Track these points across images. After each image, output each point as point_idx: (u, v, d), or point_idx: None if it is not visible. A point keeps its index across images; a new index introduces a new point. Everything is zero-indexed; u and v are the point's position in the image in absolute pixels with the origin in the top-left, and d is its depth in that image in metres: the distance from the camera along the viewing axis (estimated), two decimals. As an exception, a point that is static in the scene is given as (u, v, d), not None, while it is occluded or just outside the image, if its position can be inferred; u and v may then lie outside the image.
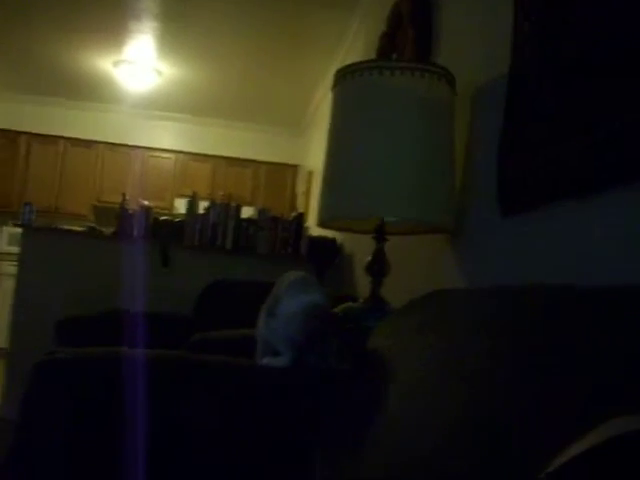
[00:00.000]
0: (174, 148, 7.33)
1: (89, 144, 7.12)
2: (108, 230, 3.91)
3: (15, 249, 4.53)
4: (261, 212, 3.86)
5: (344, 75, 1.79)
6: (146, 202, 4.13)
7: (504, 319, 0.90)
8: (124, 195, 4.09)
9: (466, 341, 0.93)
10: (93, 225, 4.17)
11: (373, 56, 2.97)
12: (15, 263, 4.00)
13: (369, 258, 1.87)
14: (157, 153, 7.29)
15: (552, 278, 1.35)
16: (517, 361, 0.78)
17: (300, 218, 3.90)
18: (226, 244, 3.70)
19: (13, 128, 6.97)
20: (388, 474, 0.82)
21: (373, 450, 0.91)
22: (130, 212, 3.80)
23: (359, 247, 3.28)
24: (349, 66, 1.79)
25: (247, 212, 4.22)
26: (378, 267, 1.86)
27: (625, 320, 0.70)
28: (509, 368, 0.77)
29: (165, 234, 3.72)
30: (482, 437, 0.71)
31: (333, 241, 3.89)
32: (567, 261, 1.33)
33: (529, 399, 0.69)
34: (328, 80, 2.93)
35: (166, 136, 7.35)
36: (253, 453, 1.16)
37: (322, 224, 1.91)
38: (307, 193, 5.97)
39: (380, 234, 1.85)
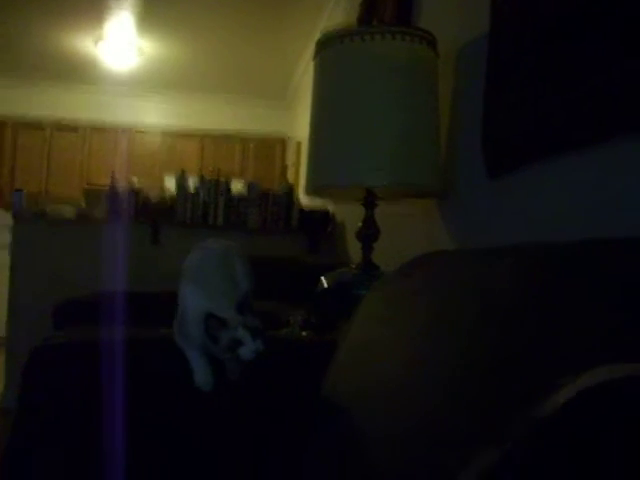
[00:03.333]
0: (160, 125, 7.26)
1: (75, 128, 7.06)
2: (99, 212, 3.89)
3: (6, 238, 4.50)
4: (251, 187, 3.83)
5: (325, 43, 1.77)
6: (135, 179, 4.10)
7: (495, 278, 0.91)
8: (113, 174, 4.06)
9: (458, 301, 0.93)
10: (83, 208, 4.14)
11: (354, 23, 2.94)
12: (7, 252, 3.99)
13: (359, 224, 1.87)
14: (144, 131, 7.23)
15: (540, 236, 1.36)
16: (510, 318, 0.78)
17: (290, 191, 3.89)
18: (217, 221, 3.69)
19: (-3, 116, 6.90)
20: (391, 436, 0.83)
21: (371, 418, 0.92)
22: (120, 192, 3.78)
23: (350, 215, 3.28)
24: (329, 34, 1.77)
25: (237, 185, 4.18)
26: (368, 233, 1.86)
27: (620, 270, 0.70)
28: (503, 324, 0.78)
29: (155, 213, 3.71)
30: (480, 392, 0.72)
31: (325, 212, 3.89)
32: (552, 219, 1.34)
33: (523, 355, 0.70)
34: (311, 49, 2.90)
35: (152, 114, 7.27)
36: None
37: (309, 193, 1.90)
38: (297, 164, 5.95)
39: (369, 200, 1.85)
